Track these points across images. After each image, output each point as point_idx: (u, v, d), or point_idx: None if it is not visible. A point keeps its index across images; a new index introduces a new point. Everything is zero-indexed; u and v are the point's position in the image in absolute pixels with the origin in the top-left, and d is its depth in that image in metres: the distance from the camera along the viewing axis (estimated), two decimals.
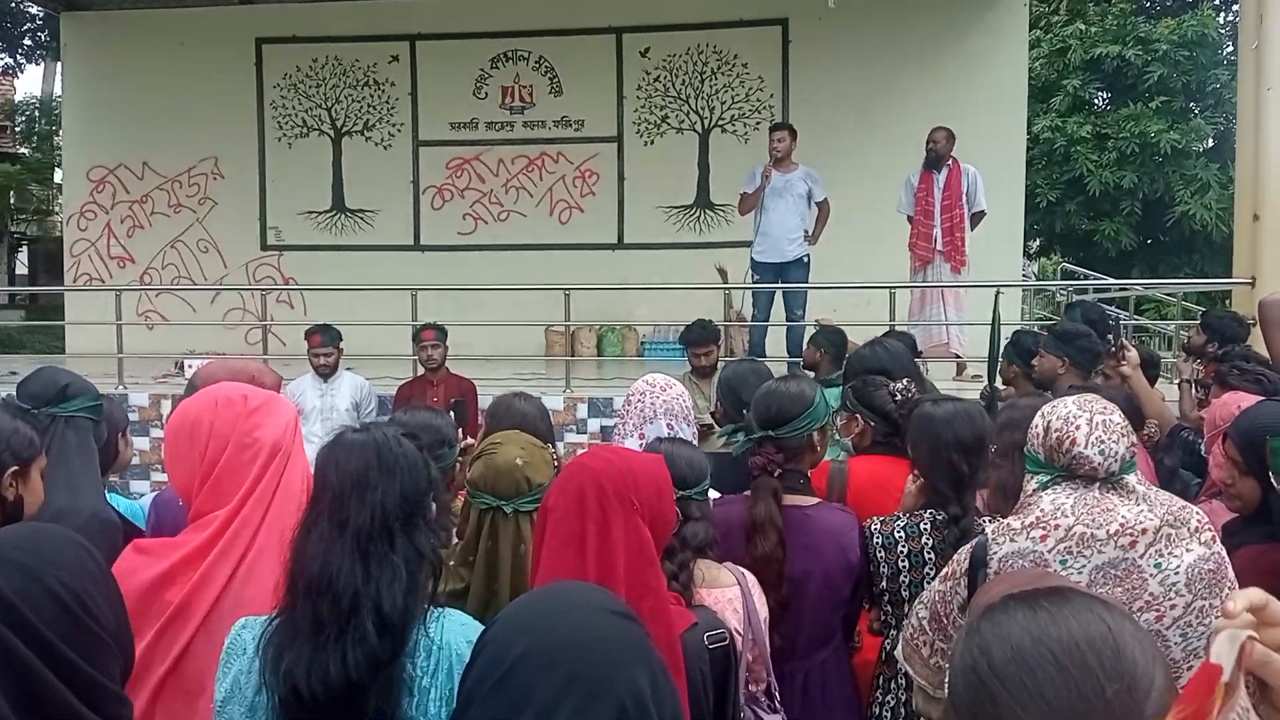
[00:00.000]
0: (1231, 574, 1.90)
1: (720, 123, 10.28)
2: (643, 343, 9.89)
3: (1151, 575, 1.83)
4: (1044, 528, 1.88)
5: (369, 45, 10.51)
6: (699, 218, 10.31)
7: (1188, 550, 1.86)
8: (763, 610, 2.15)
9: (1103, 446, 1.88)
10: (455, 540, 2.14)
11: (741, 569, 2.18)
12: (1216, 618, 1.81)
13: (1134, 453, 1.95)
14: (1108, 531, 1.83)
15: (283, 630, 1.50)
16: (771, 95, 10.14)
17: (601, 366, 9.28)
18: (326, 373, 5.92)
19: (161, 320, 9.86)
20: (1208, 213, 12.70)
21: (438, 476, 1.65)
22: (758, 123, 9.90)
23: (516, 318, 8.47)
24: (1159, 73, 13.41)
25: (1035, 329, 5.82)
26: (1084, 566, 1.83)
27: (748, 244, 7.80)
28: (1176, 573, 1.83)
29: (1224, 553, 1.91)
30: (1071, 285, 9.79)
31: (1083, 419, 1.91)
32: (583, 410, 6.53)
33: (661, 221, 10.29)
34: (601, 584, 1.61)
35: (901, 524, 2.53)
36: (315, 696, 1.44)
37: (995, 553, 1.90)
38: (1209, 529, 1.92)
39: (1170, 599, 1.83)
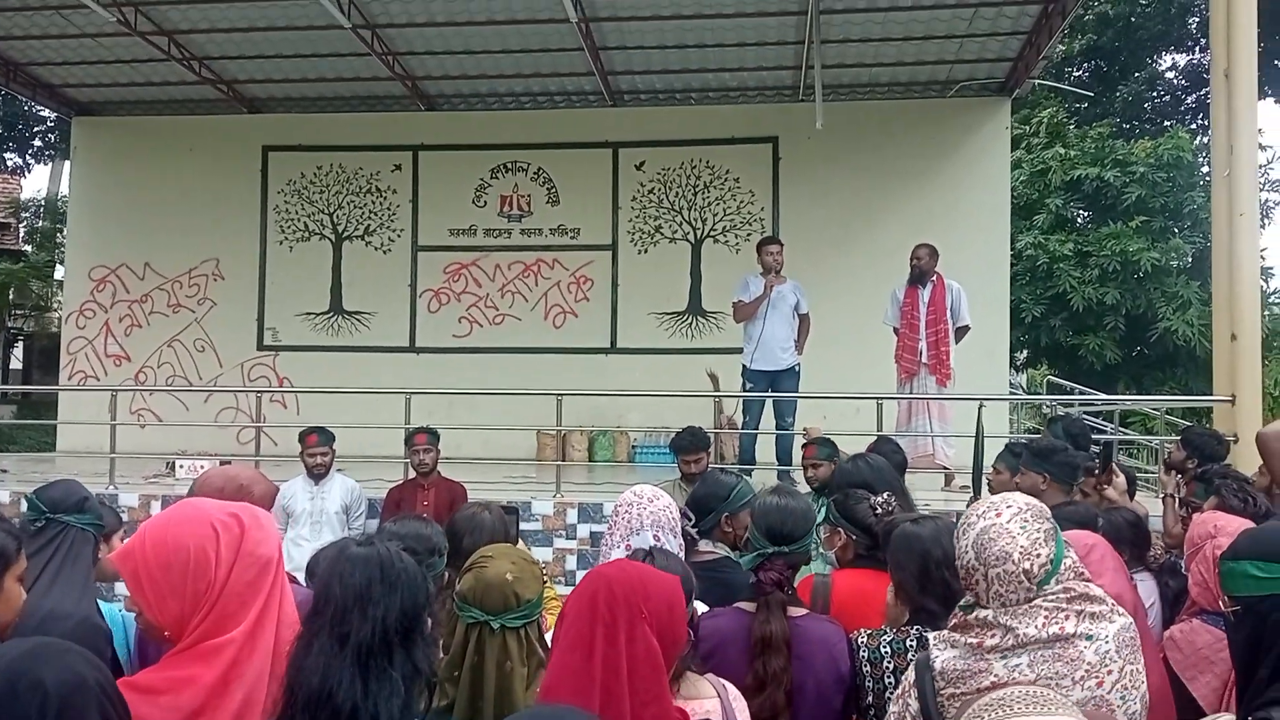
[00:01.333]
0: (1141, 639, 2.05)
1: (712, 233, 10.56)
2: (634, 447, 9.93)
3: (1085, 647, 1.92)
4: (980, 636, 1.96)
5: (372, 154, 10.84)
6: (691, 324, 10.50)
7: (1111, 621, 1.97)
8: None
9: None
10: (441, 655, 2.15)
11: (722, 681, 2.18)
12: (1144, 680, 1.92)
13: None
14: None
15: None
16: (762, 209, 10.45)
17: (593, 470, 9.31)
18: (320, 473, 5.95)
19: (155, 419, 9.90)
20: (1189, 329, 12.95)
21: (433, 591, 1.69)
22: (748, 234, 10.18)
23: (509, 421, 8.53)
24: (1137, 193, 13.85)
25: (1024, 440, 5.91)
26: (1023, 655, 1.93)
27: (738, 350, 7.93)
28: (1107, 641, 1.93)
29: (1132, 622, 2.02)
30: (1057, 399, 9.92)
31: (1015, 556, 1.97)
32: (573, 515, 6.53)
33: (654, 327, 10.48)
34: (606, 686, 1.64)
35: (888, 639, 2.55)
36: None
37: (938, 657, 1.97)
38: (1116, 604, 2.04)
39: (1106, 665, 1.92)
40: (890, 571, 2.70)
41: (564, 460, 7.93)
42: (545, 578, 2.19)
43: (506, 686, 1.84)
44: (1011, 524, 2.00)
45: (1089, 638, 1.93)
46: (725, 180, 10.55)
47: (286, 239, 10.93)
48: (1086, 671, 1.91)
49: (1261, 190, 16.76)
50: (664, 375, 9.53)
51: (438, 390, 8.21)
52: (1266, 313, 15.12)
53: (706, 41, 9.29)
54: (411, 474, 6.22)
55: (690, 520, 3.32)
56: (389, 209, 10.85)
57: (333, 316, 10.80)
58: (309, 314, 10.79)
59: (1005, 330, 10.26)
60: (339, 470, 6.20)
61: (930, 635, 2.07)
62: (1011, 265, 11.47)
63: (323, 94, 10.76)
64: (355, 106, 10.93)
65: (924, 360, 7.48)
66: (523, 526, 6.49)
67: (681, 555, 2.73)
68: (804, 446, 5.16)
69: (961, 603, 2.05)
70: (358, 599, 1.56)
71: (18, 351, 25.26)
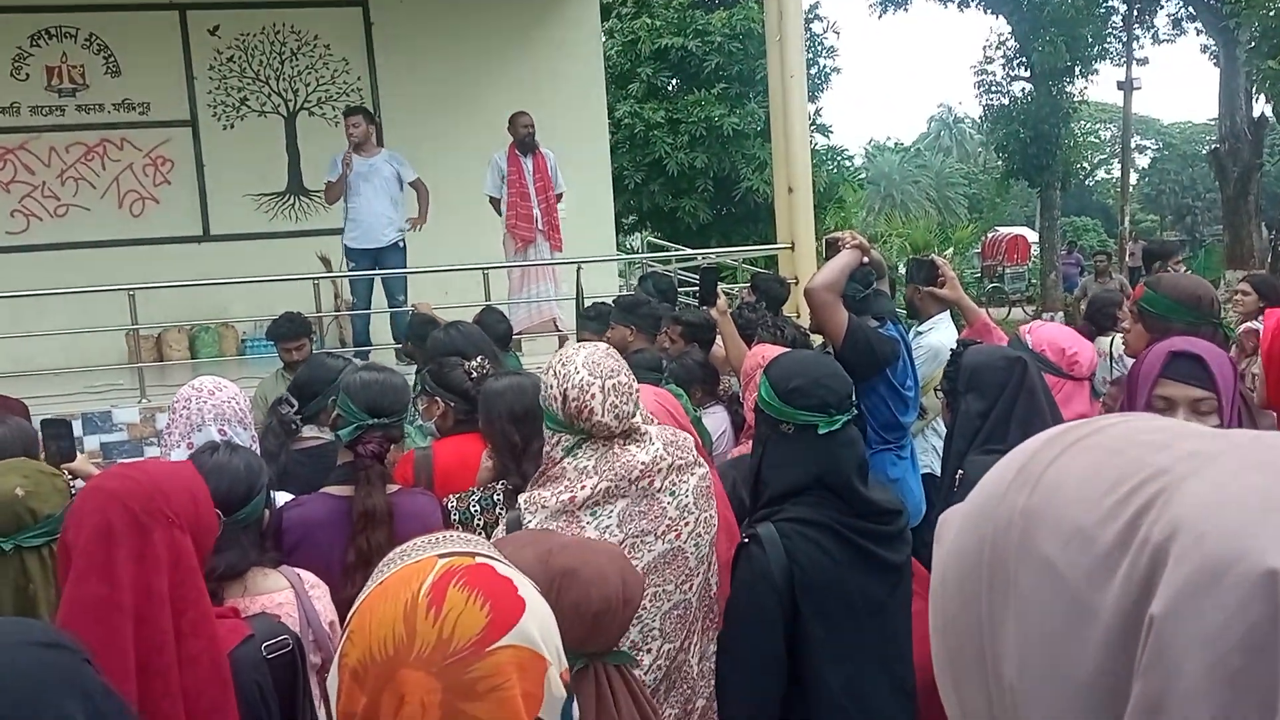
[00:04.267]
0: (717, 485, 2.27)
1: (306, 105, 9.89)
2: (244, 340, 9.31)
3: (668, 504, 2.09)
4: (571, 491, 2.03)
5: None
6: (293, 205, 9.88)
7: (691, 474, 2.15)
8: (326, 613, 2.11)
9: (617, 411, 2.07)
10: None
11: (297, 570, 2.15)
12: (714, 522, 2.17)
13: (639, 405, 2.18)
14: (629, 479, 2.05)
15: None
16: (359, 78, 9.93)
17: (198, 369, 8.61)
18: None
19: None
20: (767, 186, 14.35)
21: None
22: (346, 105, 9.65)
23: (90, 323, 7.60)
24: (716, 61, 14.89)
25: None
26: (612, 511, 2.04)
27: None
28: (687, 495, 2.12)
29: (709, 470, 2.24)
30: (655, 257, 10.64)
31: (595, 386, 2.06)
32: (164, 420, 6.04)
33: (252, 210, 9.72)
34: (141, 612, 1.54)
35: (476, 498, 2.66)
36: None
37: (530, 521, 2.03)
38: (700, 453, 2.25)
39: (685, 519, 2.10)
40: (480, 430, 2.81)
41: (160, 361, 7.27)
42: (73, 489, 2.02)
43: (28, 612, 1.70)
44: (584, 364, 2.09)
45: (672, 494, 2.09)
46: (315, 47, 9.85)
47: None
48: (668, 526, 2.07)
49: (820, 57, 18.75)
50: (269, 261, 8.92)
51: None
52: (828, 168, 17.17)
53: None
54: None
55: (293, 407, 3.21)
56: None
57: None
58: None
59: (609, 195, 10.73)
60: None
61: (521, 498, 2.10)
62: (611, 134, 11.96)
63: None
64: None
65: (540, 227, 7.64)
66: (105, 439, 5.93)
67: (258, 446, 2.64)
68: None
69: (562, 444, 2.09)
70: None
71: None
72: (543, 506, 2.03)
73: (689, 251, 11.50)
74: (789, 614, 2.13)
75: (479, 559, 1.02)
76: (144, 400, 6.17)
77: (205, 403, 2.48)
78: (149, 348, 7.76)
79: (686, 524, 2.11)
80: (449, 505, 2.65)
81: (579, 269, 5.89)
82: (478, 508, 2.66)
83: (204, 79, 9.60)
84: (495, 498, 2.66)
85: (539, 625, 0.98)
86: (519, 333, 6.85)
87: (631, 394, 2.12)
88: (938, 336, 4.06)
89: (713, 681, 2.21)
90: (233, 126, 9.71)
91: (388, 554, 2.43)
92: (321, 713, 2.01)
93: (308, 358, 5.31)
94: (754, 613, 2.13)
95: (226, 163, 9.63)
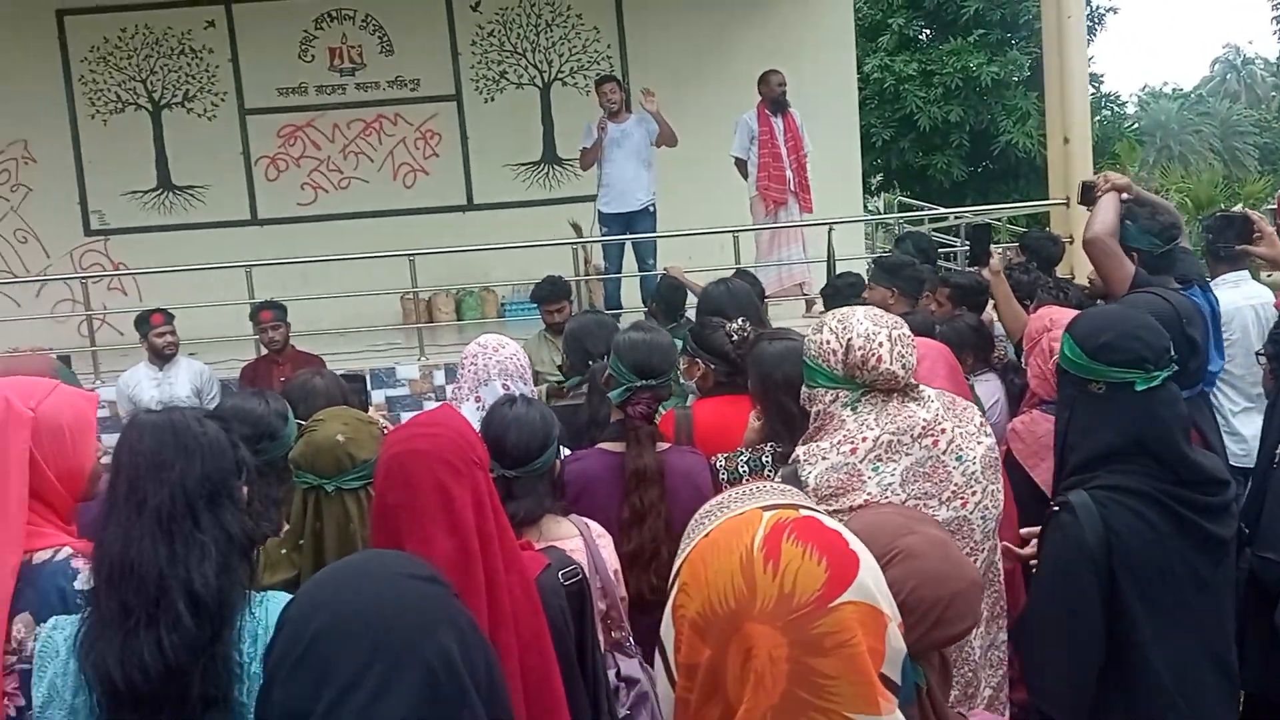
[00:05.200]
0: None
1: (560, 76, 10.20)
2: (503, 303, 9.80)
3: (954, 468, 1.97)
4: (852, 441, 1.96)
5: (181, 11, 9.90)
6: (547, 173, 10.24)
7: (979, 443, 2.02)
8: (611, 561, 2.18)
9: (904, 361, 1.98)
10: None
11: (585, 520, 2.21)
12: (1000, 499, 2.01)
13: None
14: (912, 435, 1.95)
15: (93, 624, 1.45)
16: (609, 46, 10.11)
17: (463, 331, 9.16)
18: (170, 354, 5.71)
19: None
20: (1029, 140, 13.41)
21: (249, 461, 1.61)
22: (597, 74, 9.86)
23: (369, 288, 8.25)
24: (975, 6, 13.99)
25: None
26: (895, 469, 1.94)
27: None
28: (974, 463, 1.99)
29: (995, 442, 2.10)
30: (905, 217, 10.21)
31: (882, 335, 1.98)
32: (440, 377, 6.45)
33: (510, 180, 10.17)
34: (482, 552, 1.61)
35: (744, 459, 2.61)
36: (134, 686, 1.40)
37: (810, 473, 1.96)
38: (986, 424, 2.10)
39: (971, 487, 1.98)
40: (750, 391, 2.76)
41: (431, 323, 7.79)
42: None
43: (351, 549, 1.82)
44: (866, 316, 2.03)
45: (959, 459, 1.98)
46: (568, 18, 10.11)
47: (99, 112, 10.00)
48: (953, 493, 1.96)
49: None
50: (526, 228, 9.31)
51: (280, 261, 7.80)
52: (1097, 119, 15.81)
53: None
54: (265, 351, 6.01)
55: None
56: (208, 71, 10.01)
57: (162, 193, 10.06)
58: (135, 192, 10.02)
59: (857, 154, 10.37)
60: (189, 355, 5.93)
61: (799, 449, 2.06)
62: (859, 89, 11.53)
63: None
64: None
65: (792, 189, 7.52)
66: (390, 393, 6.40)
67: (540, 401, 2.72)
68: None
69: (842, 399, 2.01)
70: (150, 465, 1.49)
71: None
72: (822, 458, 1.97)
73: (943, 210, 10.95)
74: (1106, 589, 1.95)
75: (803, 511, 1.03)
76: (423, 358, 6.61)
77: (490, 359, 2.60)
78: (421, 310, 8.33)
79: (974, 493, 1.99)
80: (716, 465, 2.62)
81: (830, 230, 5.71)
82: (745, 469, 2.61)
83: (467, 54, 10.10)
84: (764, 459, 2.61)
85: (874, 579, 1.00)
86: (767, 296, 6.77)
87: (913, 347, 2.03)
88: (1231, 295, 3.63)
89: (1000, 671, 2.07)
90: (493, 99, 10.17)
91: (661, 508, 2.47)
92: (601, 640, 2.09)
93: (566, 319, 5.50)
94: (1069, 585, 1.99)
95: (487, 134, 10.11)
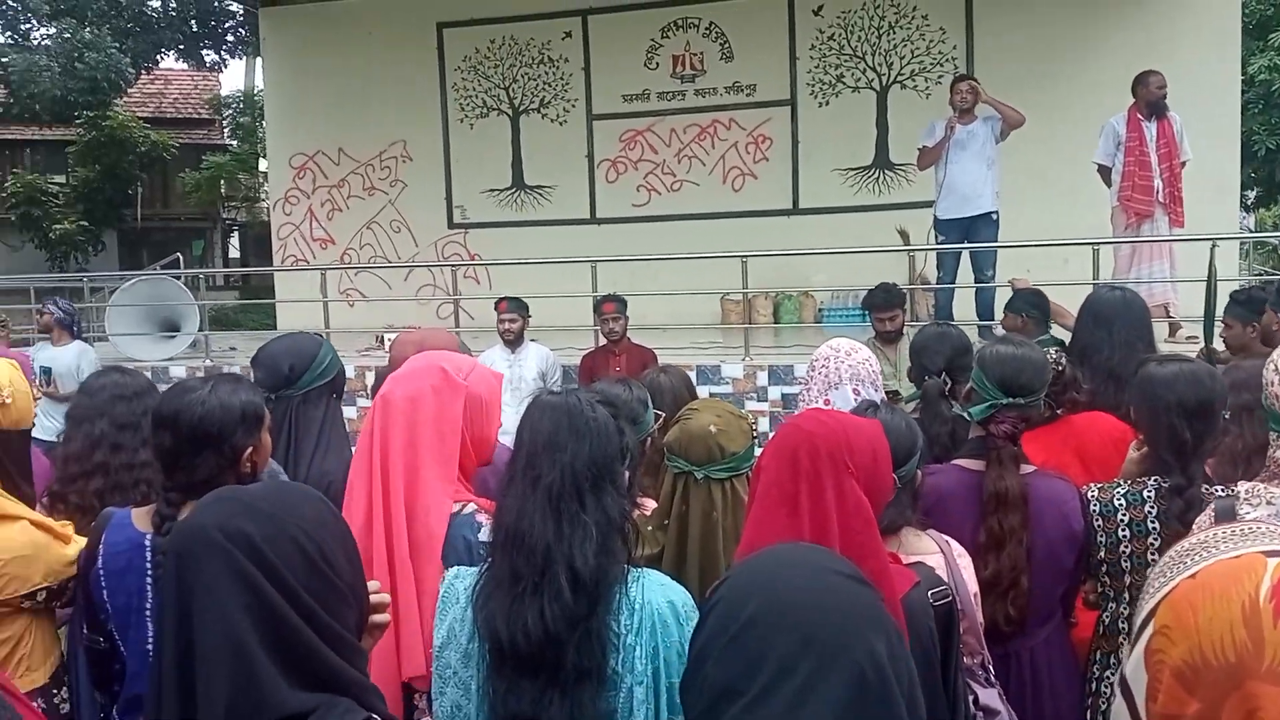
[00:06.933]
0: None
1: (899, 79, 9.93)
2: (821, 309, 9.72)
3: None
4: None
5: (543, 23, 10.72)
6: (878, 179, 10.03)
7: None
8: (971, 584, 2.06)
9: None
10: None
11: (945, 537, 2.10)
12: None
13: None
14: None
15: (489, 580, 1.59)
16: (954, 47, 9.70)
17: (779, 334, 9.19)
18: (511, 339, 6.13)
19: (361, 297, 10.47)
20: None
21: (633, 447, 1.68)
22: (939, 76, 9.50)
23: (691, 287, 8.49)
24: None
25: (1259, 285, 5.35)
26: None
27: (929, 204, 7.50)
28: None
29: None
30: None
31: None
32: (763, 378, 6.48)
33: (838, 184, 10.07)
34: (816, 545, 1.59)
35: (1122, 491, 2.38)
36: (516, 647, 1.51)
37: (1247, 514, 1.73)
38: None
39: None
40: (1132, 416, 2.51)
41: (750, 324, 7.86)
42: (755, 431, 2.16)
43: (711, 535, 1.85)
44: None
45: None
46: (912, 18, 9.82)
47: (466, 116, 11.08)
48: None
49: None
50: (850, 234, 9.18)
51: (620, 258, 8.22)
52: None
53: None
54: (602, 341, 6.32)
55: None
56: (562, 79, 10.77)
57: (515, 192, 10.97)
58: (493, 190, 11.00)
59: (1236, 165, 9.26)
60: (533, 340, 6.37)
61: (1241, 486, 1.82)
62: (1242, 92, 10.26)
63: None
64: None
65: (1160, 200, 6.82)
66: (713, 390, 6.52)
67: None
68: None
69: None
70: (546, 444, 1.60)
71: (235, 240, 27.35)
72: (1268, 502, 1.71)
73: None
74: None
75: None
76: (747, 358, 6.68)
77: (842, 363, 2.55)
78: (739, 311, 8.43)
79: None
80: (1088, 495, 2.40)
81: (1213, 247, 5.08)
82: (1122, 501, 2.37)
83: (805, 59, 10.10)
84: (1145, 494, 2.36)
85: None
86: None
87: None
88: None
89: None
90: (827, 104, 10.10)
91: (1023, 535, 2.29)
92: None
93: (900, 329, 5.32)
94: None
95: (819, 139, 10.06)
